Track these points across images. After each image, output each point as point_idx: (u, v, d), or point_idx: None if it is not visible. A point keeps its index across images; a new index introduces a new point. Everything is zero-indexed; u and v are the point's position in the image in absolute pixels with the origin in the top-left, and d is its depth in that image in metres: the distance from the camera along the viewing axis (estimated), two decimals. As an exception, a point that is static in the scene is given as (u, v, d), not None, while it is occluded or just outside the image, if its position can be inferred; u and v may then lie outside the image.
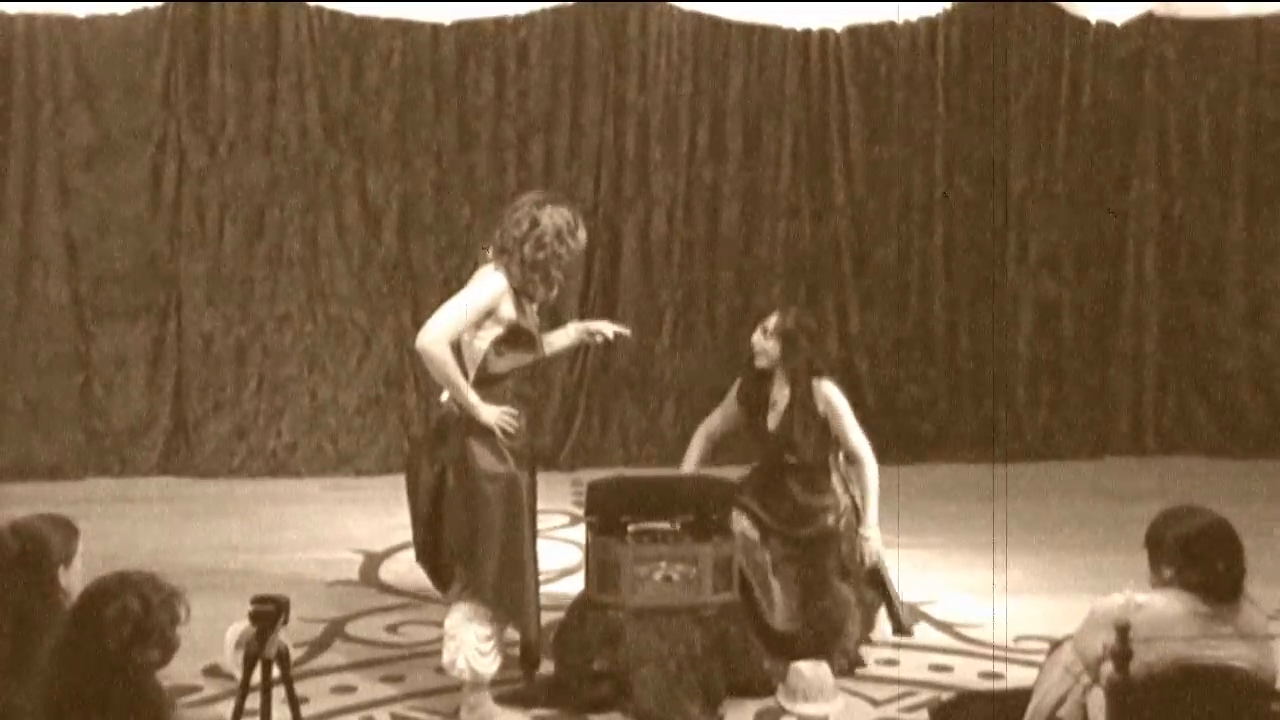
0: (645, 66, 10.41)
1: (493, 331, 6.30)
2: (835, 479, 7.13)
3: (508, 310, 6.28)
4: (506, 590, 6.35)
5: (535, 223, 6.26)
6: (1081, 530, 8.99)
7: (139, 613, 4.02)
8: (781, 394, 7.05)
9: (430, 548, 6.40)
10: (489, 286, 6.25)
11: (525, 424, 6.40)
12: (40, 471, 9.73)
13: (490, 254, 6.31)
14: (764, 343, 7.06)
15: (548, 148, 10.32)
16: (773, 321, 7.04)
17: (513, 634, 6.47)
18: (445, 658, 6.38)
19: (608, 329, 6.82)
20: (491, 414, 6.24)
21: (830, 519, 7.03)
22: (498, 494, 6.26)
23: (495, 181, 10.24)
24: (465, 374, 6.27)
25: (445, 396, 6.35)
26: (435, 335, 6.18)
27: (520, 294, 6.30)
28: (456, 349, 6.29)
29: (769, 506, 7.07)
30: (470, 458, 6.24)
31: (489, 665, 6.37)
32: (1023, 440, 10.72)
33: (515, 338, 6.35)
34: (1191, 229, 10.94)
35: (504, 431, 6.25)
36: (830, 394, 6.98)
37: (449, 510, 6.29)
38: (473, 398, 6.23)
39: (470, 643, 6.35)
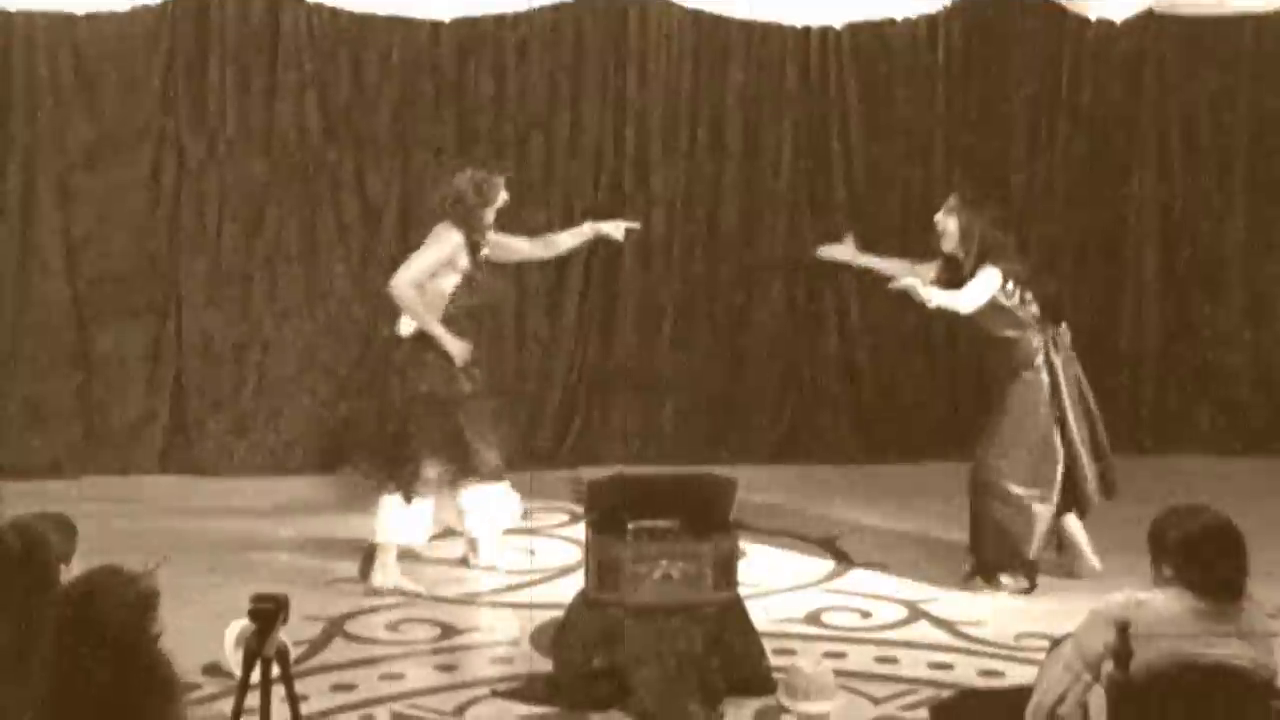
0: (645, 63, 10.39)
1: (451, 279, 7.88)
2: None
3: (464, 262, 7.91)
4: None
5: (455, 187, 7.96)
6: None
7: (132, 590, 3.99)
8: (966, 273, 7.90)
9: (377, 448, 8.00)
10: (448, 241, 7.89)
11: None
12: (40, 469, 9.69)
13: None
14: (945, 221, 8.02)
15: (547, 144, 10.31)
16: (952, 201, 7.98)
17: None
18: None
19: (618, 230, 8.55)
20: (456, 346, 7.86)
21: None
22: (443, 409, 7.85)
23: (495, 178, 10.22)
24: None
25: (404, 330, 7.90)
26: (406, 280, 7.85)
27: (469, 246, 7.90)
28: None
29: None
30: (418, 379, 7.84)
31: (397, 536, 7.92)
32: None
33: (470, 284, 7.95)
34: (1191, 226, 10.92)
35: (463, 361, 7.87)
36: (982, 272, 7.81)
37: (401, 419, 7.87)
38: (439, 329, 7.84)
39: (384, 513, 7.90)
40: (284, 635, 4.69)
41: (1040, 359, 7.93)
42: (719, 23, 10.42)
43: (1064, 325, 8.11)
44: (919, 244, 10.60)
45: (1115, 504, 9.18)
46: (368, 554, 8.08)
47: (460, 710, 6.54)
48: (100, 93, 9.87)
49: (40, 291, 9.88)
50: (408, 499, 7.87)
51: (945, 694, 6.55)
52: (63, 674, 3.94)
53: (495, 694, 6.68)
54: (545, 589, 8.00)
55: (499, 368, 10.31)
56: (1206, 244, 10.94)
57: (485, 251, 8.05)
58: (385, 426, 8.01)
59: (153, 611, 3.98)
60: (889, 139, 10.60)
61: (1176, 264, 10.94)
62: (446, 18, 10.14)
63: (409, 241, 10.15)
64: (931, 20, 10.59)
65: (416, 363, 7.86)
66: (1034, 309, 7.95)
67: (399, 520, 7.92)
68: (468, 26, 10.18)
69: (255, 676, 4.71)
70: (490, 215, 7.99)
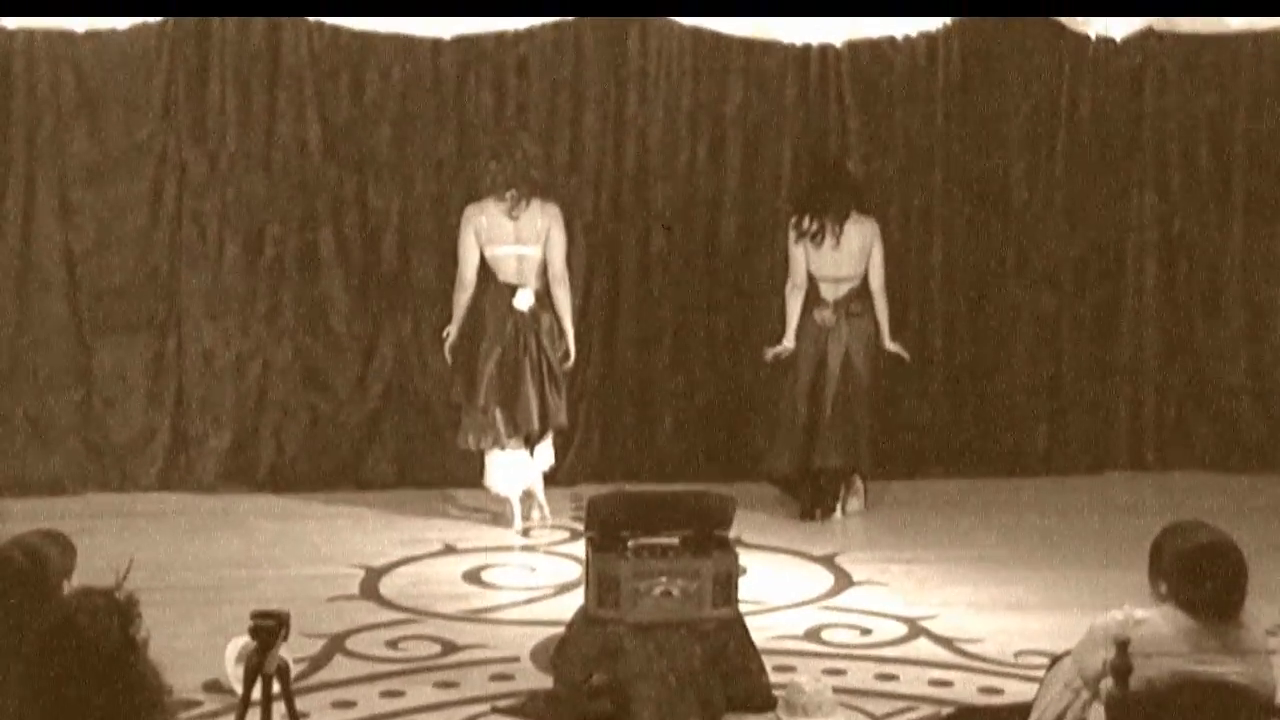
0: (645, 81, 10.40)
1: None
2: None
3: None
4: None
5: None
6: (1081, 545, 8.99)
7: (111, 601, 3.96)
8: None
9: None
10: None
11: None
12: (40, 486, 9.69)
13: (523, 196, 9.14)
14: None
15: (547, 161, 10.30)
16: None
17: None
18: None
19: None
20: None
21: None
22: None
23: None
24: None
25: (525, 304, 9.00)
26: None
27: None
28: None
29: None
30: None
31: (496, 485, 9.17)
32: (1022, 455, 10.72)
33: None
34: (1191, 243, 10.93)
35: None
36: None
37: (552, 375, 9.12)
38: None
39: (489, 467, 9.13)
40: (285, 652, 4.71)
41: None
42: (719, 40, 10.43)
43: None
44: (916, 260, 10.68)
45: (1113, 520, 9.24)
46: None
47: (460, 727, 6.55)
48: (101, 110, 9.88)
49: (41, 307, 9.88)
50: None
51: (945, 711, 6.56)
52: (49, 693, 3.91)
53: (496, 710, 6.69)
54: (545, 606, 8.00)
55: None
56: (1205, 260, 10.94)
57: None
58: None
59: (136, 620, 3.96)
60: (889, 157, 10.61)
61: (1175, 280, 10.94)
62: (447, 35, 10.15)
63: (409, 258, 10.21)
64: (931, 38, 10.60)
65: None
66: None
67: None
68: (468, 44, 10.20)
69: (256, 693, 4.73)
70: None
